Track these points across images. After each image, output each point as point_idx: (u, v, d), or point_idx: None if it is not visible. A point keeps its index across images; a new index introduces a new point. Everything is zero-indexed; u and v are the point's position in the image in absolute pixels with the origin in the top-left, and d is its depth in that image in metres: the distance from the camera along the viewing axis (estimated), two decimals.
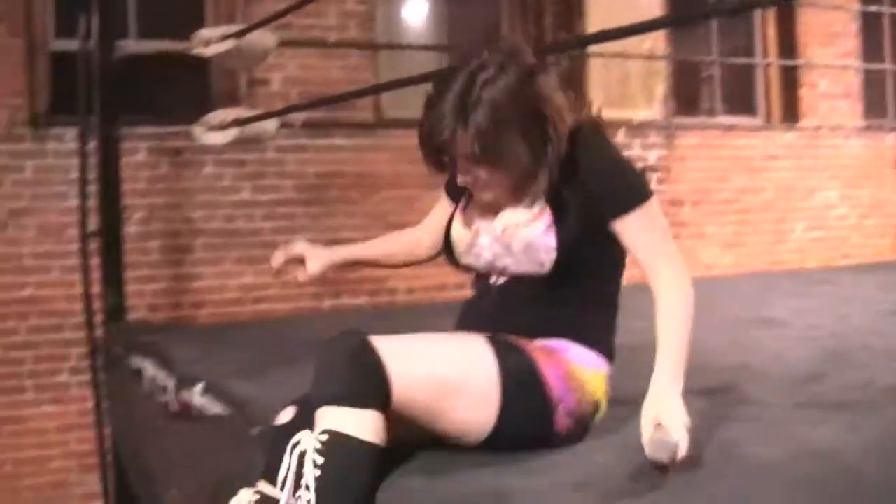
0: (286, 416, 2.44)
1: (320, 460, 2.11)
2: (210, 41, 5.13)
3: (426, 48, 7.32)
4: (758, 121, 9.08)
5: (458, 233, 2.62)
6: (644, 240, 2.43)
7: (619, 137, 7.81)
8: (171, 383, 3.93)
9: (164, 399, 4.04)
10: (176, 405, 3.84)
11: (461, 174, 2.43)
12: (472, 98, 2.30)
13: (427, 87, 2.41)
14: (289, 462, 2.21)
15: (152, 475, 4.31)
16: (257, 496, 2.36)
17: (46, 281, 6.53)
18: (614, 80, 7.81)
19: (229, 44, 5.08)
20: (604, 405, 2.52)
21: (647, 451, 2.09)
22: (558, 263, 2.42)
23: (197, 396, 3.56)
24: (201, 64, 5.98)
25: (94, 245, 5.82)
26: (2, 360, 6.48)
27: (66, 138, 6.53)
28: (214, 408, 3.44)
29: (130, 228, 6.29)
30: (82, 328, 6.18)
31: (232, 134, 5.51)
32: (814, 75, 8.97)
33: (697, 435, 2.47)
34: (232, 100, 6.85)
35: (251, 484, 2.41)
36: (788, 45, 8.96)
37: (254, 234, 6.94)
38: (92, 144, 5.85)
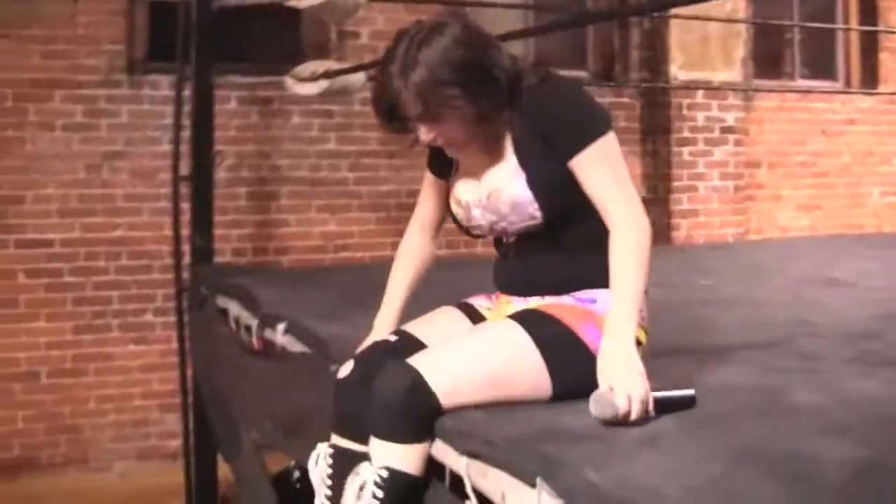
0: (346, 370, 2.57)
1: (380, 494, 2.29)
2: None
3: (513, 6, 7.34)
4: (837, 85, 9.00)
5: (455, 210, 2.71)
6: (595, 177, 2.46)
7: (698, 98, 7.81)
8: (254, 323, 4.04)
9: (248, 338, 4.16)
10: (258, 343, 3.96)
11: (420, 135, 2.48)
12: (409, 60, 2.38)
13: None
14: (350, 492, 2.35)
15: (232, 412, 4.45)
16: (332, 450, 2.51)
17: (137, 223, 6.73)
18: (694, 41, 7.76)
19: None
20: (643, 336, 2.55)
21: (591, 408, 2.17)
22: (545, 211, 2.50)
23: (280, 335, 3.65)
24: (293, 16, 6.10)
25: (184, 189, 5.93)
26: (91, 299, 6.68)
27: (162, 85, 6.73)
28: (296, 346, 3.54)
29: (220, 174, 6.37)
30: (169, 270, 6.33)
31: (321, 85, 5.60)
32: (894, 40, 8.87)
33: (745, 381, 2.63)
34: (322, 52, 6.96)
35: (327, 435, 2.55)
36: (869, 9, 8.88)
37: (338, 183, 7.07)
38: (186, 92, 5.95)
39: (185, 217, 5.93)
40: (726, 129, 7.96)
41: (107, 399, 6.75)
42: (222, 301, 4.73)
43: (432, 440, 2.34)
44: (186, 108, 5.94)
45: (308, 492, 2.59)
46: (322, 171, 7.05)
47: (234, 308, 4.46)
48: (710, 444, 2.03)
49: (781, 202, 8.50)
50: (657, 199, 7.90)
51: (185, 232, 5.92)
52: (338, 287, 4.71)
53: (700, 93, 7.78)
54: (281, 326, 3.67)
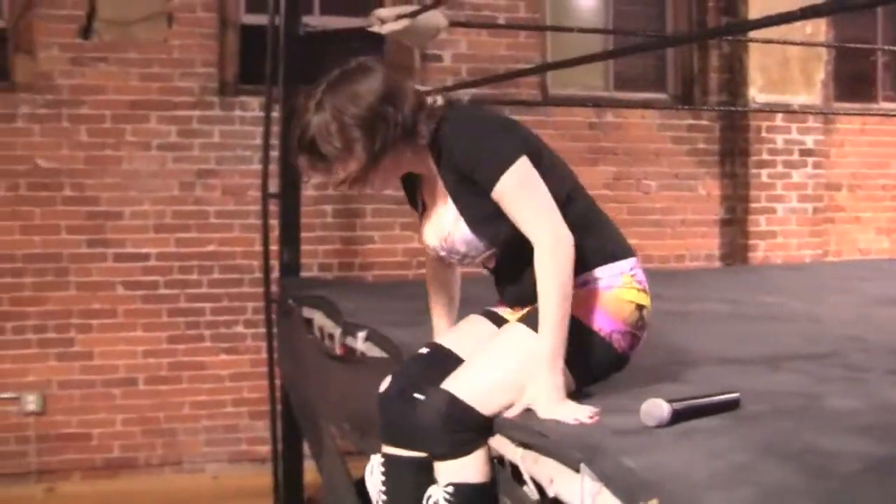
0: (385, 384, 2.83)
1: None
2: (386, 20, 5.41)
3: (590, 31, 7.51)
4: None
5: (429, 251, 2.95)
6: (510, 206, 2.60)
7: (777, 121, 7.90)
8: (337, 331, 4.28)
9: (331, 345, 4.41)
10: (340, 350, 4.20)
11: (337, 173, 2.64)
12: (324, 105, 2.57)
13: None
14: None
15: (316, 415, 4.69)
16: (383, 458, 2.79)
17: (228, 238, 7.02)
18: (773, 63, 7.83)
19: (404, 23, 5.35)
20: (645, 299, 2.76)
21: (641, 417, 2.36)
22: (494, 244, 2.72)
23: (360, 342, 3.88)
24: (377, 40, 6.28)
25: (273, 206, 6.21)
26: (184, 310, 6.99)
27: (252, 106, 7.04)
28: (375, 352, 3.77)
29: (307, 192, 6.68)
30: (259, 283, 6.61)
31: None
32: None
33: (788, 387, 2.82)
34: (405, 74, 7.15)
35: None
36: None
37: None
38: (275, 113, 6.22)
39: (274, 233, 6.21)
40: (805, 152, 8.01)
41: (200, 405, 7.05)
42: (308, 311, 4.98)
43: (486, 444, 2.57)
44: (275, 128, 6.20)
45: None
46: None
47: (319, 318, 4.70)
48: (740, 438, 2.23)
49: (862, 225, 8.51)
50: (735, 219, 8.01)
51: (274, 247, 6.20)
52: (414, 297, 4.89)
53: (779, 115, 7.84)
54: (361, 334, 3.90)
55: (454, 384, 2.55)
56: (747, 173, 7.95)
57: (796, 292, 5.37)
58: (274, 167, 6.24)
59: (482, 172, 2.60)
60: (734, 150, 8.01)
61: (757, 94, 7.81)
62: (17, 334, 6.84)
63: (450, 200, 2.73)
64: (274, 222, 6.22)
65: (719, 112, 8.01)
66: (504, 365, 2.59)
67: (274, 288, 6.16)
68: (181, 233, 6.98)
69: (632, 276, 2.76)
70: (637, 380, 2.85)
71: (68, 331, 6.88)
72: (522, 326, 2.64)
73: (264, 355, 6.52)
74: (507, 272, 2.82)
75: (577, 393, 2.62)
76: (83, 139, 6.87)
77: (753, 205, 7.96)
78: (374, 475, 2.84)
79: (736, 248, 7.97)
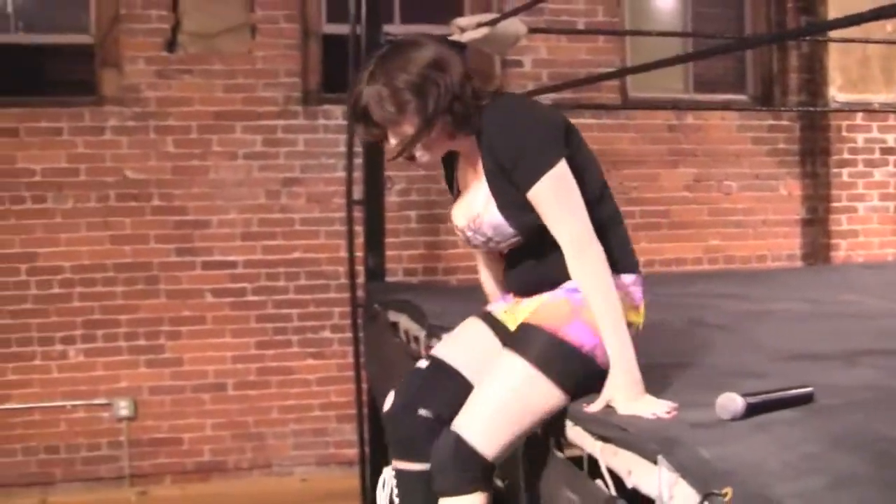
0: (388, 402, 2.94)
1: None
2: (466, 28, 5.48)
3: (669, 34, 7.51)
4: None
5: (456, 232, 2.98)
6: (545, 211, 2.66)
7: (857, 120, 7.87)
8: (422, 334, 4.34)
9: (416, 348, 4.48)
10: (425, 352, 4.26)
11: (389, 139, 2.73)
12: (374, 71, 2.66)
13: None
14: None
15: None
16: (394, 472, 2.90)
17: (313, 245, 7.14)
18: (854, 62, 7.78)
19: (484, 31, 5.41)
20: (635, 317, 2.81)
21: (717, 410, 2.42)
22: (521, 231, 2.76)
23: None
24: (457, 47, 6.32)
25: (357, 213, 6.31)
26: (272, 316, 7.12)
27: (335, 115, 7.17)
28: None
29: (391, 198, 6.77)
30: (344, 289, 6.72)
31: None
32: None
33: (863, 381, 2.86)
34: (486, 81, 7.22)
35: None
36: None
37: None
38: None
39: (359, 239, 6.32)
40: (886, 150, 7.96)
41: (288, 409, 7.17)
42: (393, 315, 5.05)
43: (489, 489, 2.67)
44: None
45: None
46: None
47: (404, 321, 4.77)
48: (813, 430, 2.27)
49: None
50: (816, 219, 7.97)
51: (359, 253, 6.30)
52: None
53: (859, 114, 7.80)
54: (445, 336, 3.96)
55: (461, 427, 2.64)
56: (828, 173, 7.92)
57: (876, 290, 5.34)
58: (358, 174, 6.33)
59: (520, 171, 2.65)
60: (815, 150, 7.98)
61: (837, 93, 7.77)
62: (109, 342, 7.01)
63: (484, 182, 2.78)
64: (358, 228, 6.32)
65: (799, 112, 7.97)
66: (503, 403, 2.65)
67: (360, 293, 6.26)
68: (268, 240, 7.10)
69: (627, 293, 2.78)
70: (714, 375, 2.91)
71: (158, 338, 7.03)
72: (513, 356, 2.68)
73: (350, 359, 6.62)
74: (521, 259, 2.87)
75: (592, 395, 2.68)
76: (170, 150, 7.02)
77: (835, 204, 7.93)
78: (385, 489, 2.95)
79: (817, 248, 7.94)
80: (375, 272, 6.11)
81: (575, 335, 2.67)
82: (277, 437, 7.18)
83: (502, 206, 2.74)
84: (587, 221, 2.64)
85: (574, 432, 2.63)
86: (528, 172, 2.64)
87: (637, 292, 2.84)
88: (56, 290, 6.97)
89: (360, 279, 6.35)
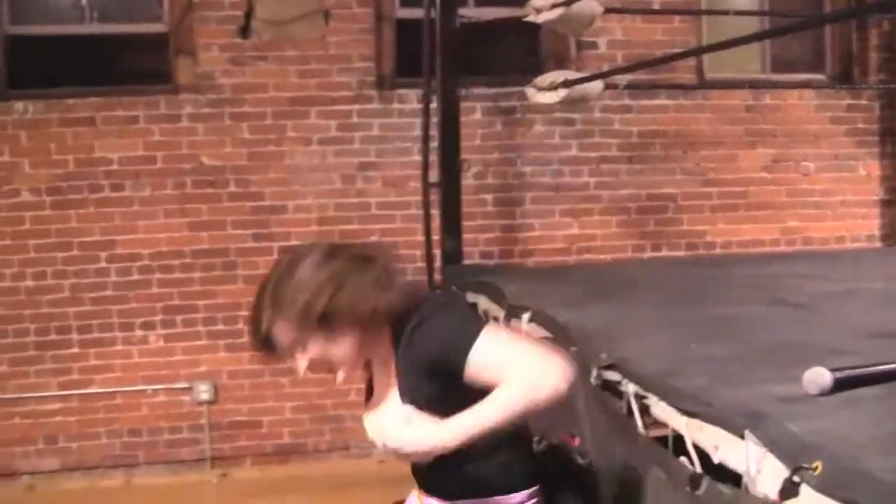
0: None
1: None
2: (542, 9, 5.47)
3: (746, 13, 7.44)
4: None
5: None
6: (490, 373, 2.42)
7: None
8: (501, 314, 4.35)
9: None
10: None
11: (295, 359, 2.60)
12: (278, 289, 2.53)
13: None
14: None
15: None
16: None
17: (390, 229, 7.11)
18: None
19: (559, 11, 5.41)
20: None
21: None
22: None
23: (524, 323, 3.95)
24: (533, 29, 6.33)
25: (433, 196, 6.32)
26: None
27: (410, 99, 7.12)
28: (539, 332, 3.83)
29: (466, 181, 6.73)
30: (421, 272, 6.70)
31: (561, 94, 5.82)
32: None
33: None
34: (562, 62, 7.20)
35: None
36: None
37: (580, 188, 7.32)
38: (433, 104, 6.32)
39: (435, 223, 6.32)
40: None
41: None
42: (472, 297, 5.05)
43: None
44: (434, 119, 6.30)
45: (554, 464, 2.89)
46: (564, 176, 7.29)
47: (483, 302, 4.77)
48: None
49: None
50: (895, 200, 7.87)
51: (435, 237, 6.30)
52: (575, 281, 4.99)
53: None
54: (526, 315, 3.96)
55: None
56: None
57: None
58: (433, 158, 6.33)
59: (450, 363, 2.48)
60: (894, 130, 7.85)
61: None
62: (188, 326, 7.07)
63: (396, 397, 2.65)
64: (435, 212, 6.32)
65: (879, 91, 7.84)
66: None
67: (437, 276, 6.26)
68: (344, 225, 7.09)
69: None
70: (798, 352, 2.87)
71: (237, 322, 7.01)
72: None
73: None
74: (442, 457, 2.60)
75: None
76: (245, 136, 7.05)
77: None
78: None
79: None
80: (452, 255, 6.09)
81: None
82: (356, 420, 7.09)
83: (414, 404, 2.58)
84: (538, 351, 2.50)
85: (659, 409, 2.61)
86: (456, 354, 2.46)
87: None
88: (135, 277, 7.03)
89: (437, 263, 6.34)
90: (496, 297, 4.55)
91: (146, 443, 7.00)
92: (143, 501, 6.54)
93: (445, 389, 2.51)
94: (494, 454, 2.62)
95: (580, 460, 2.99)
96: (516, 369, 2.38)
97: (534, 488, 2.71)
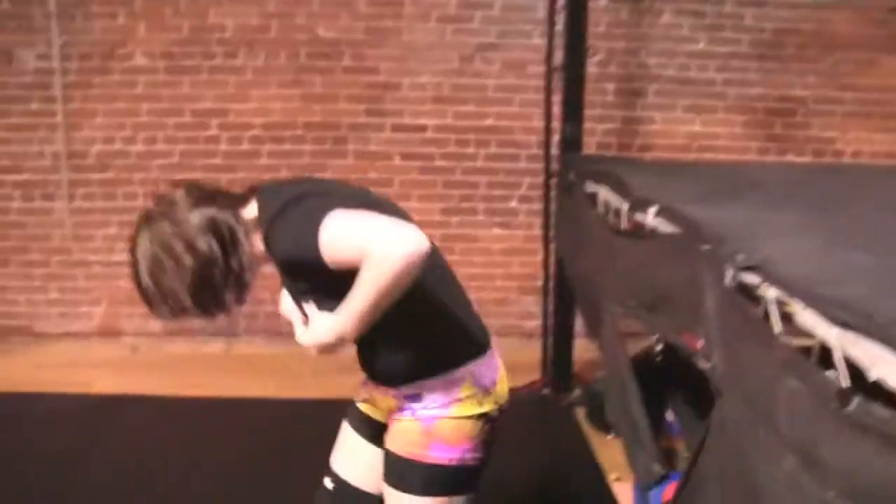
0: (328, 484, 3.08)
1: None
2: None
3: None
4: None
5: None
6: (345, 253, 2.38)
7: None
8: (624, 206, 4.16)
9: (615, 220, 4.31)
10: (628, 225, 4.10)
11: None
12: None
13: None
14: None
15: (595, 291, 4.62)
16: None
17: (506, 112, 6.96)
18: None
19: None
20: (488, 403, 2.74)
21: None
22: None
23: (650, 217, 3.77)
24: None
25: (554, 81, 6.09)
26: (459, 183, 7.00)
27: None
28: (667, 227, 3.65)
29: (588, 69, 6.48)
30: (535, 159, 6.58)
31: None
32: None
33: None
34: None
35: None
36: None
37: (706, 84, 7.03)
38: None
39: (555, 109, 6.10)
40: None
41: (470, 277, 6.96)
42: (592, 186, 4.88)
43: None
44: (560, 2, 6.05)
45: (669, 367, 2.75)
46: (690, 70, 7.01)
47: (604, 193, 4.59)
48: None
49: None
50: None
51: (554, 124, 6.10)
52: (704, 178, 4.78)
53: None
54: (652, 209, 3.78)
55: None
56: None
57: None
58: (558, 41, 6.08)
59: (304, 253, 2.45)
60: None
61: None
62: None
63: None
64: (555, 98, 6.10)
65: None
66: None
67: (554, 164, 6.08)
68: (459, 105, 6.96)
69: (472, 382, 2.73)
70: None
71: None
72: (398, 494, 2.76)
73: (537, 231, 6.52)
74: (361, 342, 2.75)
75: None
76: (362, 9, 6.90)
77: None
78: None
79: None
80: (572, 142, 5.88)
81: (439, 456, 2.70)
82: None
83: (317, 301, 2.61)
84: (386, 224, 2.41)
85: (805, 317, 2.41)
86: (310, 246, 2.43)
87: (485, 375, 2.76)
88: (245, 147, 7.01)
89: (554, 150, 6.15)
90: (619, 188, 4.36)
91: (247, 314, 6.97)
92: (242, 369, 6.55)
93: (325, 278, 2.48)
94: (419, 338, 2.69)
95: (702, 363, 2.85)
96: (367, 245, 2.32)
97: (472, 363, 2.73)
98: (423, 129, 6.97)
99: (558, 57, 6.05)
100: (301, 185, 2.68)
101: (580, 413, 5.75)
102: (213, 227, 2.52)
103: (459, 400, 2.70)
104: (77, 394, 6.02)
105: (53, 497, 4.65)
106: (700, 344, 2.96)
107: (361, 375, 2.98)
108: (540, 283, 6.49)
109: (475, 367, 2.73)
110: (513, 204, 7.05)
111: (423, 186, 7.01)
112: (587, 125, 6.31)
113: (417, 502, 2.72)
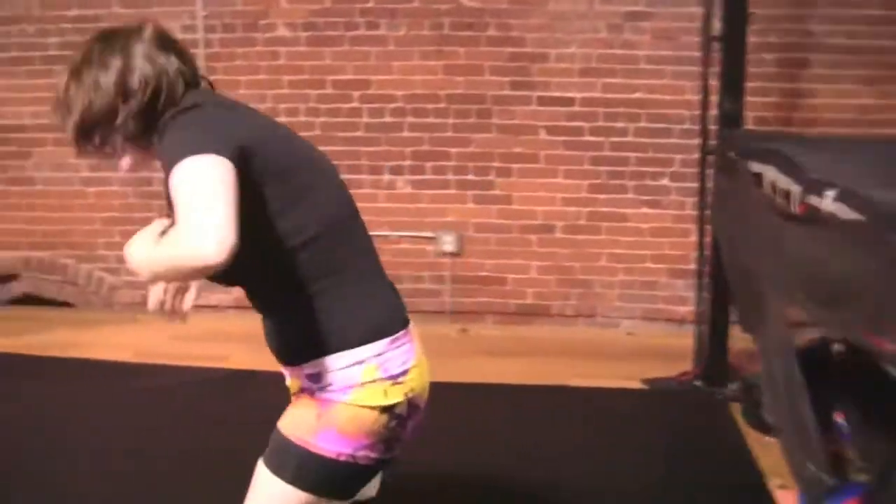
0: None
1: None
2: None
3: None
4: None
5: None
6: (175, 202, 2.09)
7: None
8: (795, 188, 3.88)
9: (784, 203, 4.02)
10: (800, 209, 3.80)
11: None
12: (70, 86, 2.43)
13: None
14: None
15: (757, 278, 4.35)
16: None
17: (657, 85, 6.66)
18: None
19: None
20: (396, 393, 2.47)
21: None
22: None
23: (829, 202, 3.48)
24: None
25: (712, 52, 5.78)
26: (608, 159, 6.74)
27: None
28: (848, 213, 3.36)
29: (748, 38, 6.18)
30: (689, 135, 6.29)
31: None
32: None
33: None
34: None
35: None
36: None
37: (879, 52, 6.52)
38: None
39: (712, 82, 5.78)
40: None
41: (617, 258, 6.84)
42: (756, 166, 4.57)
43: None
44: None
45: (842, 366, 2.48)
46: (861, 38, 6.51)
47: (771, 173, 4.29)
48: None
49: None
50: None
51: (712, 97, 5.79)
52: (883, 158, 4.46)
53: None
54: (831, 193, 3.49)
55: None
56: None
57: None
58: (716, 9, 5.76)
59: (165, 163, 2.20)
60: None
61: None
62: (437, 174, 6.92)
63: None
64: (712, 69, 5.77)
65: None
66: None
67: (712, 140, 5.77)
68: (608, 77, 6.70)
69: (376, 366, 2.44)
70: None
71: (488, 174, 6.85)
72: (270, 476, 2.52)
73: (689, 211, 6.26)
74: (262, 316, 2.61)
75: None
76: None
77: None
78: None
79: None
80: (731, 117, 5.55)
81: (325, 447, 2.45)
82: (604, 287, 6.88)
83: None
84: (211, 221, 2.06)
85: None
86: (167, 162, 2.18)
87: (393, 360, 2.48)
88: (387, 119, 6.91)
89: (712, 125, 5.83)
90: (788, 168, 4.06)
91: None
92: None
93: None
94: (314, 313, 2.44)
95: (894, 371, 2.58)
96: (182, 224, 2.06)
97: (375, 343, 2.45)
98: (570, 101, 6.73)
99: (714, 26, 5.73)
100: (220, 106, 2.49)
101: (736, 409, 5.40)
102: (157, 78, 2.45)
103: (361, 384, 2.43)
104: (214, 367, 6.05)
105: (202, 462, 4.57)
106: (890, 346, 2.69)
107: None
108: (692, 266, 6.24)
109: (380, 348, 2.46)
110: (664, 182, 6.74)
111: (570, 162, 6.77)
112: (745, 98, 6.02)
113: (278, 488, 2.50)
